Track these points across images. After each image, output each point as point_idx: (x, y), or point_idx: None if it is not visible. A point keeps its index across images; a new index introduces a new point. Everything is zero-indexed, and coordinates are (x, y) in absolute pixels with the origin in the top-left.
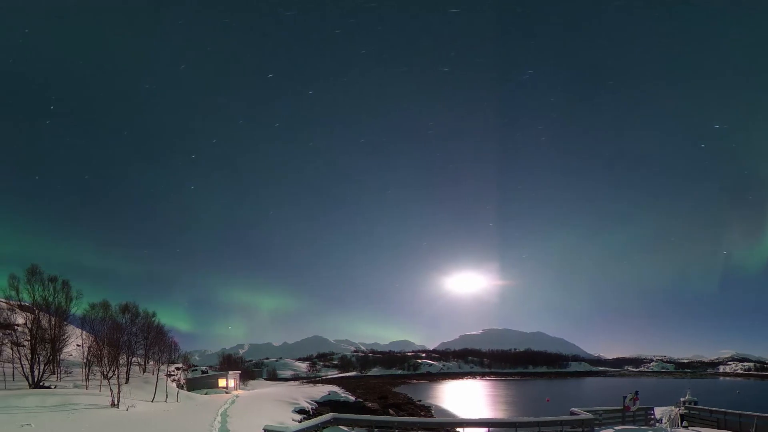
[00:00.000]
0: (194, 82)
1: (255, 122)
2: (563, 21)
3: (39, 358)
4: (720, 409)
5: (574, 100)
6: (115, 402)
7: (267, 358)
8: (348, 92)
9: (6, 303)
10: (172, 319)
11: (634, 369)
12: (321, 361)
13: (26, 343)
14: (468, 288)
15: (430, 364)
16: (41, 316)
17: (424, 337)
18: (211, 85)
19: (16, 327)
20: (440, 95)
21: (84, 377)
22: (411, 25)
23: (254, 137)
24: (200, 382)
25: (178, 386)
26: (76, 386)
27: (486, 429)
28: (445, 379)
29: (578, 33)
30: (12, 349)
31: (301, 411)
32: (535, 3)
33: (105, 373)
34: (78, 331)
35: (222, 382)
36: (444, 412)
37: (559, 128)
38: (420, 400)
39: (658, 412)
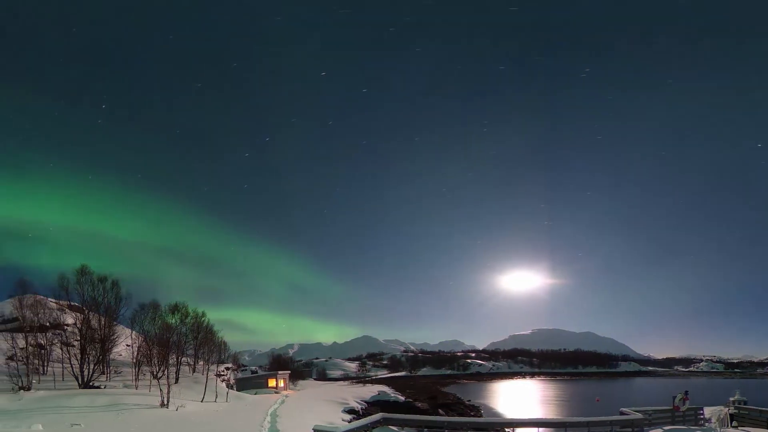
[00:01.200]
0: (247, 80)
1: (308, 120)
2: (621, 18)
3: (89, 358)
4: None
5: (630, 98)
6: (165, 402)
7: (317, 358)
8: (402, 90)
9: (56, 303)
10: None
11: (683, 369)
12: (370, 361)
13: (76, 343)
14: (520, 287)
15: (480, 364)
16: (91, 316)
17: (473, 337)
18: (263, 82)
19: (65, 327)
20: (495, 93)
21: (133, 377)
22: (467, 22)
23: (307, 135)
24: (250, 382)
25: (227, 386)
26: (125, 386)
27: (536, 429)
28: (495, 379)
29: (636, 30)
30: (62, 349)
31: (350, 411)
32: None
33: (154, 372)
34: (128, 331)
35: (272, 382)
36: (493, 412)
37: (615, 127)
38: (470, 400)
39: (708, 412)
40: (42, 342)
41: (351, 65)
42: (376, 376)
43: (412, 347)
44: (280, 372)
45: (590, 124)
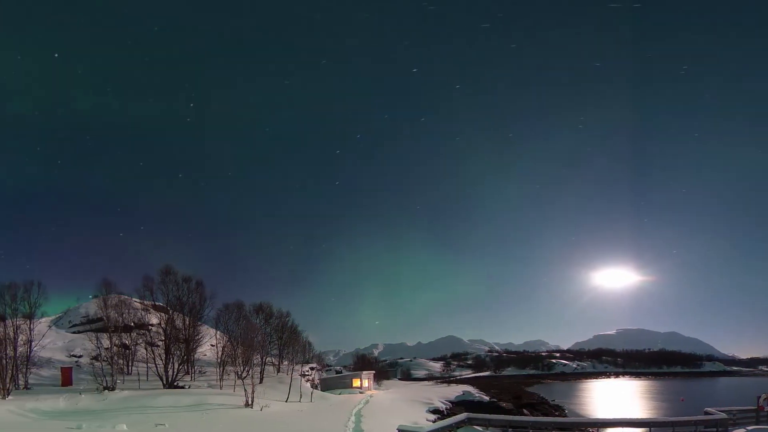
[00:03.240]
0: (336, 77)
1: (400, 117)
2: (723, 14)
3: (173, 358)
4: None
5: (729, 96)
6: (249, 402)
7: (401, 358)
8: (497, 86)
9: (140, 303)
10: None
11: None
12: (455, 361)
13: (160, 343)
14: (609, 284)
15: (564, 364)
16: (175, 316)
17: (558, 338)
18: (354, 79)
19: (150, 327)
20: (593, 90)
21: (218, 377)
22: (564, 18)
23: (399, 132)
24: (334, 382)
25: (312, 386)
26: (210, 386)
27: (620, 429)
28: (579, 378)
29: (740, 26)
30: (146, 349)
31: (435, 411)
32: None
33: (239, 373)
34: (212, 331)
35: (356, 382)
36: (578, 412)
37: (712, 125)
38: (554, 400)
39: None
40: (126, 342)
41: (443, 61)
42: (461, 376)
43: (496, 347)
44: (364, 372)
45: (688, 122)
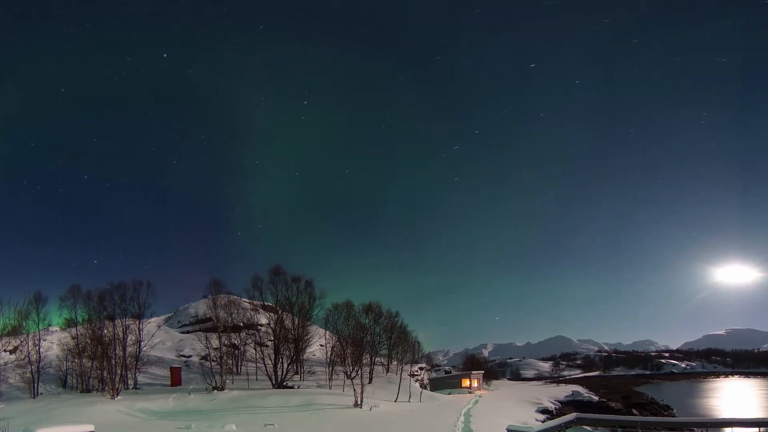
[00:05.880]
0: (451, 73)
1: (518, 112)
2: None
3: (282, 358)
4: None
5: None
6: (358, 402)
7: (510, 358)
8: (615, 83)
9: (249, 303)
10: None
11: None
12: (564, 361)
13: (269, 343)
14: (725, 281)
15: (674, 364)
16: (284, 316)
17: (666, 337)
18: (470, 75)
19: (259, 327)
20: (716, 86)
21: (327, 377)
22: (687, 16)
23: (518, 128)
24: (443, 382)
25: (421, 386)
26: (319, 386)
27: (730, 429)
28: (688, 378)
29: None
30: (255, 349)
31: (544, 411)
32: None
33: (348, 372)
34: (321, 330)
35: (465, 382)
36: (687, 412)
37: None
38: (663, 400)
39: None
40: (236, 342)
41: (562, 57)
42: (570, 376)
43: (605, 347)
44: (473, 372)
45: None
